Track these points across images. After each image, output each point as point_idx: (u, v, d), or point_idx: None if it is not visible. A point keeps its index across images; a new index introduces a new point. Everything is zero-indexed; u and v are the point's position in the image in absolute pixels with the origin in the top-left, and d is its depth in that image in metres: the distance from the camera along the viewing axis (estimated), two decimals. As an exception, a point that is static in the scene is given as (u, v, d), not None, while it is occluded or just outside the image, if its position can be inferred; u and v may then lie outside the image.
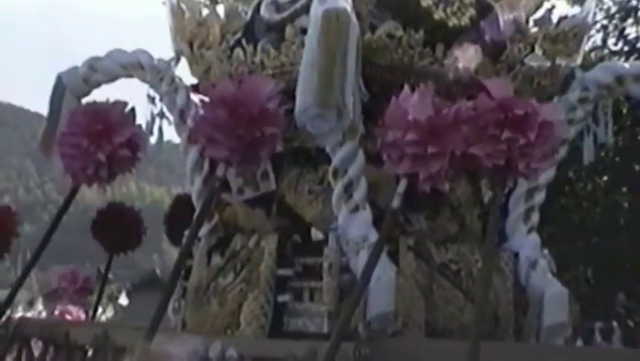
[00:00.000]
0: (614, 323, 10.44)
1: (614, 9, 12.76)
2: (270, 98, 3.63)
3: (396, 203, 3.48)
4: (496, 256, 4.14)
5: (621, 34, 12.32)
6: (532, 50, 4.31)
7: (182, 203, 4.88)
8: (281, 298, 4.05)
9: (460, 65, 4.08)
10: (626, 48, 12.10)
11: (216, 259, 4.36)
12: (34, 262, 4.52)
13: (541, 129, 2.95)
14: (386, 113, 3.41)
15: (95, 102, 4.25)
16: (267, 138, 3.69)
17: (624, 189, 11.35)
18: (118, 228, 5.05)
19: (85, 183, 4.25)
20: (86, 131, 4.05)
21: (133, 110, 4.34)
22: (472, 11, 4.17)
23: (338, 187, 3.87)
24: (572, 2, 11.68)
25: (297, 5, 4.17)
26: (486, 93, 3.03)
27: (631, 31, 12.53)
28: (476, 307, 3.42)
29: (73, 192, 4.42)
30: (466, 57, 4.10)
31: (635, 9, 12.94)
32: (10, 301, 4.62)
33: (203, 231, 4.40)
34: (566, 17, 4.59)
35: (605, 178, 11.08)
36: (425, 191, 3.57)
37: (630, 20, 12.85)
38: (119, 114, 4.21)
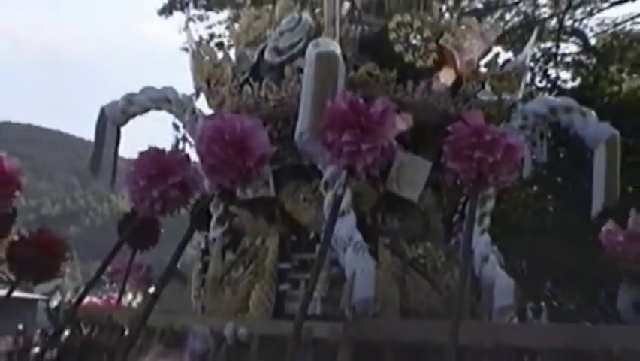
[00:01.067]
0: (542, 304, 10.43)
1: (539, 54, 12.79)
2: (266, 145, 3.47)
3: (339, 191, 3.40)
4: (456, 252, 4.10)
5: (545, 75, 12.33)
6: (483, 86, 4.29)
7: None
8: (282, 287, 4.00)
9: (441, 81, 4.09)
10: (548, 86, 12.10)
11: (229, 256, 4.30)
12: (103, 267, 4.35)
13: (506, 151, 2.90)
14: (325, 118, 3.22)
15: (157, 149, 4.06)
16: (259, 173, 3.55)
17: (550, 197, 11.36)
18: (139, 229, 4.89)
19: (144, 213, 4.08)
20: (145, 172, 3.92)
21: (187, 157, 4.17)
22: (434, 55, 4.12)
23: (328, 196, 3.79)
24: (506, 49, 11.67)
25: (295, 50, 4.11)
26: (463, 122, 2.98)
27: (552, 72, 12.55)
28: (455, 295, 3.33)
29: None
30: (445, 77, 4.11)
31: (555, 55, 13.00)
32: (85, 293, 4.45)
33: (217, 233, 4.37)
34: (509, 61, 4.59)
35: (535, 188, 11.07)
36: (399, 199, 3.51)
37: (551, 63, 12.89)
38: (175, 160, 4.04)
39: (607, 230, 4.15)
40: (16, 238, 4.08)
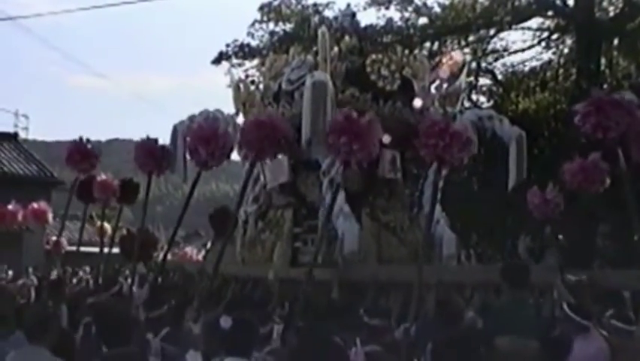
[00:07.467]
0: (471, 251, 10.12)
1: (464, 85, 12.29)
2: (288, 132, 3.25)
3: (338, 179, 3.10)
4: (417, 218, 3.90)
5: (469, 99, 11.77)
6: (433, 103, 4.07)
7: None
8: (296, 245, 3.83)
9: (419, 104, 3.91)
10: (472, 106, 11.70)
11: (260, 224, 4.11)
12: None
13: (453, 136, 2.63)
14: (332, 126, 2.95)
15: None
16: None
17: (474, 179, 11.00)
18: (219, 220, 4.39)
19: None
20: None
21: None
22: (398, 82, 3.92)
23: (325, 181, 3.62)
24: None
25: (300, 81, 3.89)
26: (428, 119, 2.71)
27: (474, 97, 11.98)
28: (422, 250, 3.03)
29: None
30: (421, 99, 3.93)
31: (475, 85, 12.37)
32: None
33: (252, 208, 4.17)
34: (450, 85, 4.32)
35: (465, 173, 10.71)
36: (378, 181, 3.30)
37: (473, 91, 12.27)
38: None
39: (532, 192, 3.74)
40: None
